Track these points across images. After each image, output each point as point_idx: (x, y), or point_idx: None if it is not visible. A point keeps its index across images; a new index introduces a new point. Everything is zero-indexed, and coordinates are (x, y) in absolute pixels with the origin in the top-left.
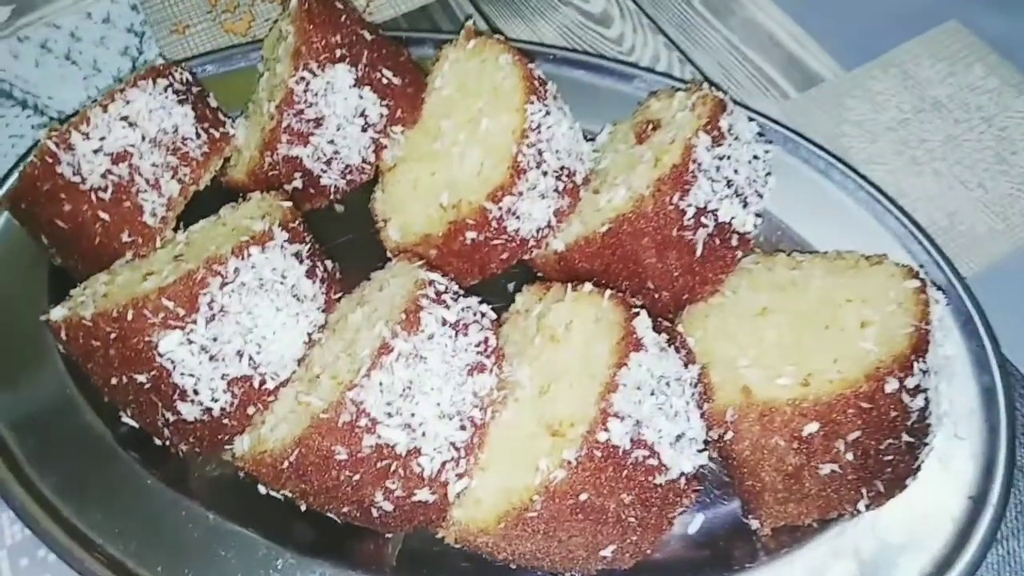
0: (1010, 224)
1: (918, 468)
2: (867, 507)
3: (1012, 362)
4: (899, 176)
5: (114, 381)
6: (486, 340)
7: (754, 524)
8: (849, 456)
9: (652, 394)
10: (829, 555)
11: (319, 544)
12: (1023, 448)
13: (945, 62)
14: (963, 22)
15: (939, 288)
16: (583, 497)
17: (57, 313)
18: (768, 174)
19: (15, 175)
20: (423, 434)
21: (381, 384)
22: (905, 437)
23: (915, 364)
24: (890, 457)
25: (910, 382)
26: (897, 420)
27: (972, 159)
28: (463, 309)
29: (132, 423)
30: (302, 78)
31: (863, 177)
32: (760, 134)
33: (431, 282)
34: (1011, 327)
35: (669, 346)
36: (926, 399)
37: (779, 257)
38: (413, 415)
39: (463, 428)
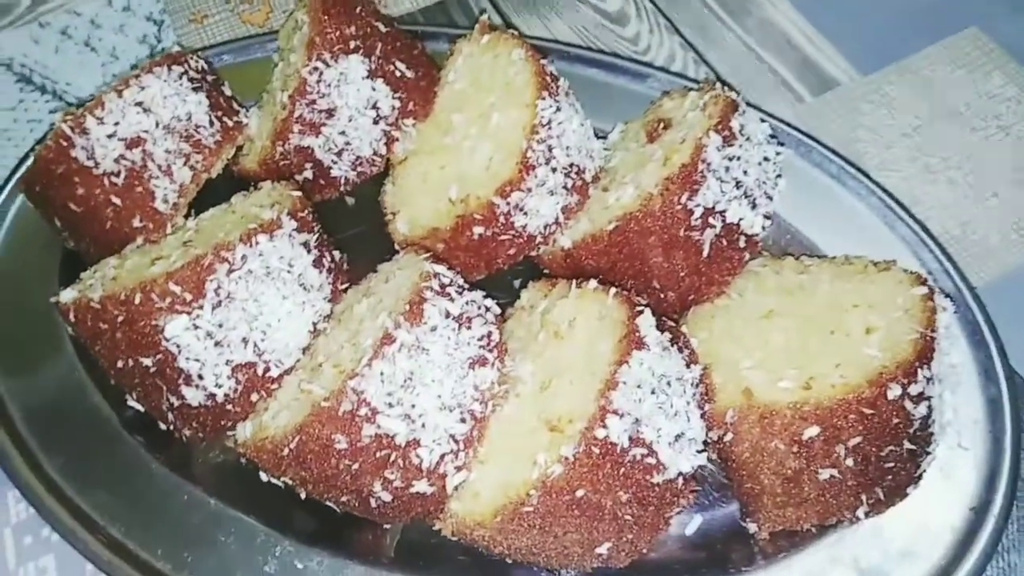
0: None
1: (920, 477)
2: (867, 514)
3: (1020, 374)
4: (913, 183)
5: (120, 364)
6: (489, 334)
7: (752, 528)
8: (849, 462)
9: (652, 393)
10: (827, 561)
11: (318, 533)
12: None
13: (964, 69)
14: (983, 29)
15: (948, 296)
16: (580, 493)
17: (67, 295)
18: (779, 176)
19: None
20: (423, 425)
21: (382, 374)
22: (907, 444)
23: (919, 371)
24: (891, 464)
25: (913, 389)
26: (899, 427)
27: (988, 168)
28: (467, 303)
29: (138, 407)
30: (315, 68)
31: (875, 183)
32: (772, 136)
33: (436, 274)
34: (1021, 338)
35: (672, 346)
36: (929, 407)
37: (787, 261)
38: (413, 406)
39: (463, 421)
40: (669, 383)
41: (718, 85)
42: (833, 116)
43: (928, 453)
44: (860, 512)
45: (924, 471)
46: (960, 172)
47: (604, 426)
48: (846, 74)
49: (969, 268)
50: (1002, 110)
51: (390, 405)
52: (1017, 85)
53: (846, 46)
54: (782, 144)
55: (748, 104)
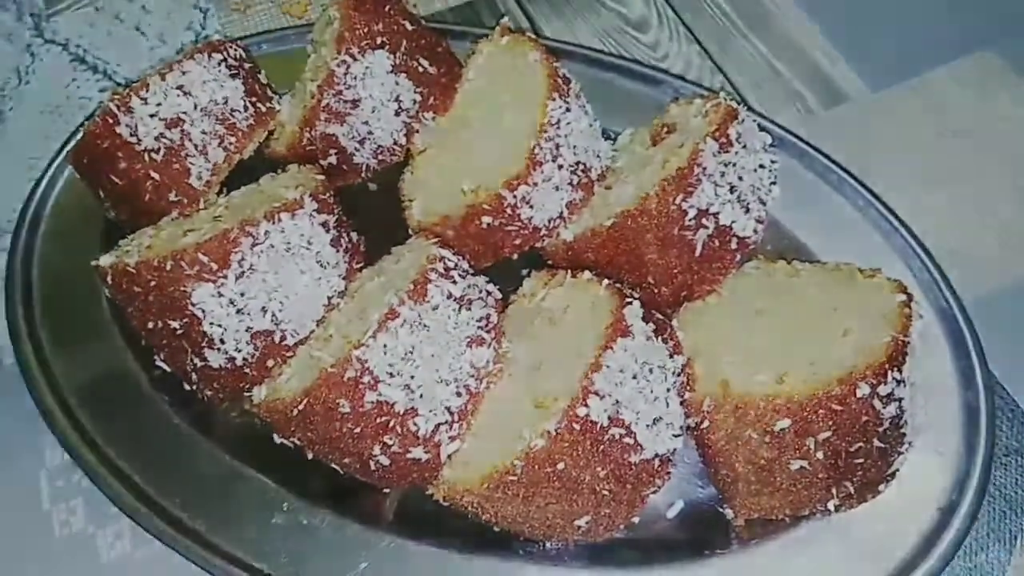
0: (1020, 252)
1: (891, 476)
2: (837, 508)
3: (1004, 387)
4: (915, 197)
5: (151, 325)
6: (488, 317)
7: (729, 514)
8: (819, 455)
9: (634, 378)
10: (796, 551)
11: (324, 494)
12: (1002, 468)
13: (973, 90)
14: (997, 52)
15: (933, 307)
16: (560, 466)
17: (106, 259)
18: (773, 183)
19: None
20: (421, 396)
21: (386, 346)
22: (876, 442)
23: (889, 373)
24: (861, 460)
25: (883, 390)
26: (868, 425)
27: (989, 186)
28: (469, 286)
29: (165, 367)
30: (343, 61)
31: (874, 195)
32: (772, 144)
33: (442, 258)
34: (1009, 353)
35: (657, 336)
36: (900, 408)
37: (780, 264)
38: (413, 377)
39: (458, 394)
40: (651, 370)
41: (722, 94)
42: (842, 129)
43: (900, 453)
44: (831, 505)
45: (897, 470)
46: (961, 189)
47: (586, 405)
48: (858, 90)
49: (963, 281)
50: (1009, 130)
51: (391, 375)
52: None
53: (860, 63)
54: (777, 152)
55: (759, 114)
